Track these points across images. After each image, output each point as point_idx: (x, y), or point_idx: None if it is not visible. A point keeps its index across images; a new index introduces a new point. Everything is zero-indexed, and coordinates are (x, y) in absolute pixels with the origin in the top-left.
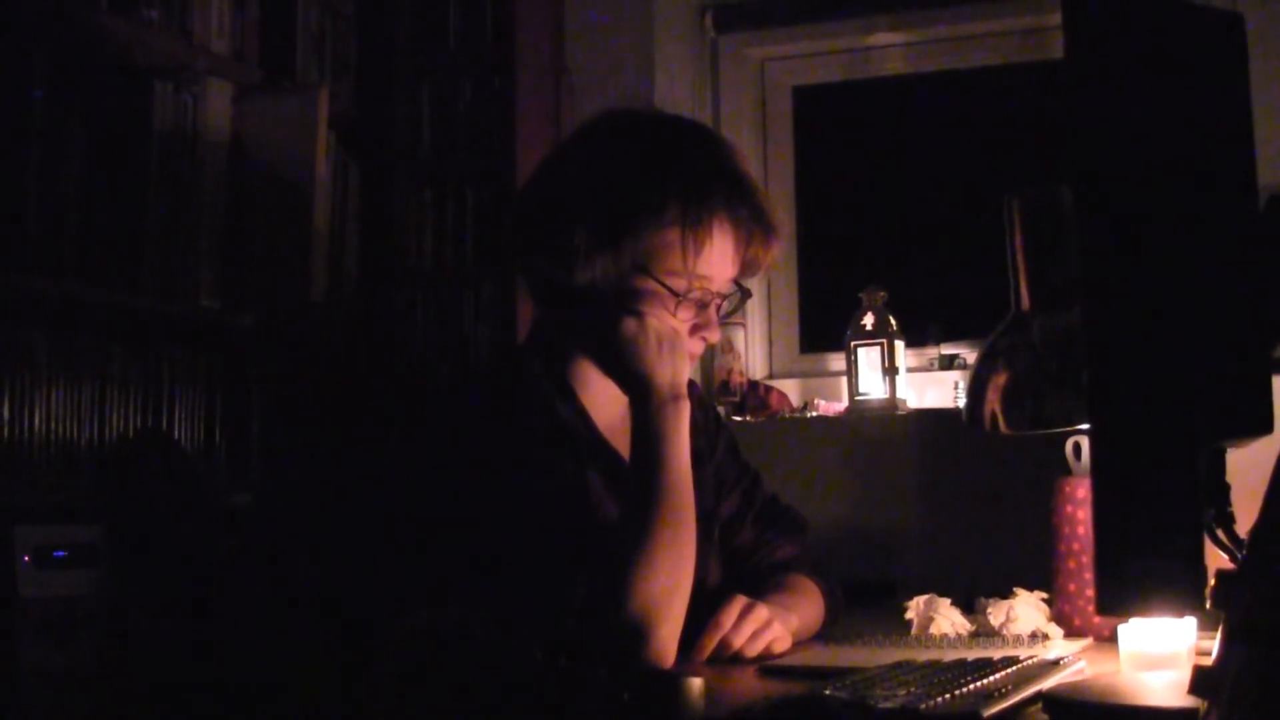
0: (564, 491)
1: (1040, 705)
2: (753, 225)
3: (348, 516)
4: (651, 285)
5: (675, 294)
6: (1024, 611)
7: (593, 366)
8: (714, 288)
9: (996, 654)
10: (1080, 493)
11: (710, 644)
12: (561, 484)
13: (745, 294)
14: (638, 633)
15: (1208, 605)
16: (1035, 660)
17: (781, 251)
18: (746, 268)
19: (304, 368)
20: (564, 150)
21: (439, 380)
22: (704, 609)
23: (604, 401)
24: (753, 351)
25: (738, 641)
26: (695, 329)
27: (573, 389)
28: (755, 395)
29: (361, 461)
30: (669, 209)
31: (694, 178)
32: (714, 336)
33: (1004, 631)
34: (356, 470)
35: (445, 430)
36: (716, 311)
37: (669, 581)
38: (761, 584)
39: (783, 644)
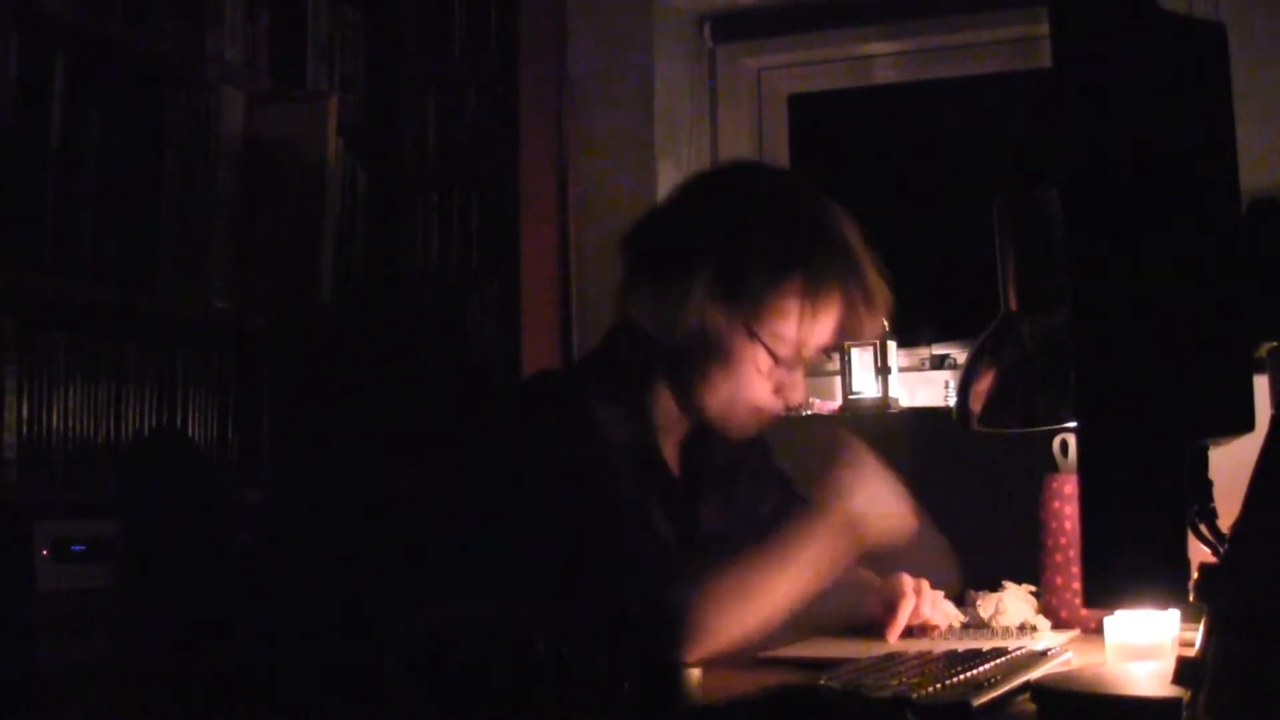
0: (635, 497)
1: (1028, 695)
2: (862, 305)
3: (366, 513)
4: (753, 344)
5: (775, 358)
6: (1013, 604)
7: (664, 393)
8: (808, 354)
9: (986, 645)
10: (1067, 489)
11: (902, 621)
12: (633, 490)
13: (828, 356)
14: (690, 635)
15: (1191, 598)
16: (1023, 651)
17: (879, 327)
18: (842, 336)
19: (313, 367)
20: (694, 194)
21: (515, 385)
22: None
23: (666, 428)
24: None
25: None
26: (779, 388)
27: (649, 411)
28: None
29: (394, 460)
30: (792, 279)
31: (820, 253)
32: (797, 398)
33: (993, 623)
34: (375, 468)
35: (537, 433)
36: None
37: (749, 611)
38: None
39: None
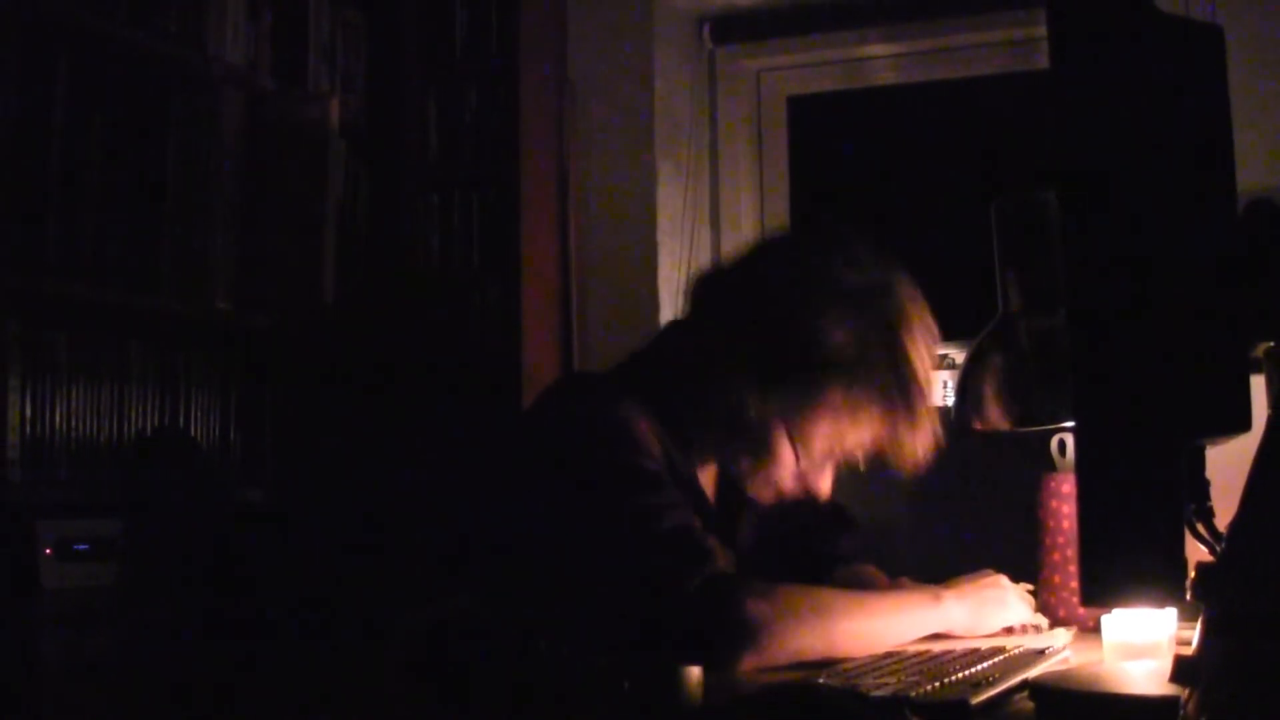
0: (675, 499)
1: (1026, 693)
2: (905, 431)
3: (368, 512)
4: (783, 438)
5: (801, 457)
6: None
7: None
8: (838, 459)
9: (984, 644)
10: (1065, 488)
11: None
12: (673, 493)
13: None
14: (755, 641)
15: (1188, 597)
16: (1021, 650)
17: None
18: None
19: (315, 367)
20: (767, 260)
21: (552, 396)
22: None
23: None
24: None
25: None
26: (803, 478)
27: (687, 441)
28: None
29: (396, 460)
30: (831, 393)
31: (874, 367)
32: (823, 493)
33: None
34: (376, 468)
35: (572, 435)
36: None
37: (816, 630)
38: (825, 575)
39: None
